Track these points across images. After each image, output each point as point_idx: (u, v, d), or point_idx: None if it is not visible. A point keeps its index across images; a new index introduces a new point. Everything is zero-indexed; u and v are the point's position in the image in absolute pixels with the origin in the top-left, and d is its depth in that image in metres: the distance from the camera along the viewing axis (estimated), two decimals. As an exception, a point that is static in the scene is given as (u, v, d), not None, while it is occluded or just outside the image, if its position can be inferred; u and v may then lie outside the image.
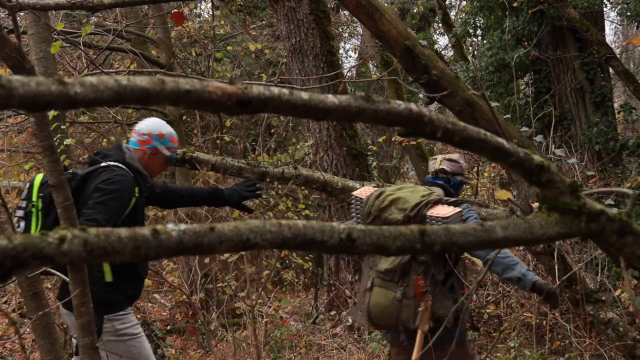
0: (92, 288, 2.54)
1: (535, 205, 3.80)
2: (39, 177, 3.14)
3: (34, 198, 3.10)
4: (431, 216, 3.09)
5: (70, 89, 0.81)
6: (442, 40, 15.87)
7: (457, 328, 2.97)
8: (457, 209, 3.13)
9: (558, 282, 4.29)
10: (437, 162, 3.61)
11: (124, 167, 3.14)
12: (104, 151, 3.29)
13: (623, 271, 1.28)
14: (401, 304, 3.18)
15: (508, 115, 7.34)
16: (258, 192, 3.67)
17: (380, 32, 5.09)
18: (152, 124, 3.33)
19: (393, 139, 11.90)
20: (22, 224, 3.11)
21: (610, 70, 9.33)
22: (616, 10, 10.30)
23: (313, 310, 7.51)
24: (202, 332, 6.47)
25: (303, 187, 6.99)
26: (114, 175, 3.07)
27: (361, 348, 5.96)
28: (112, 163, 3.13)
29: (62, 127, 6.10)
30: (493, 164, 7.99)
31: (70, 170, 3.18)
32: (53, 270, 3.08)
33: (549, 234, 1.14)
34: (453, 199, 3.33)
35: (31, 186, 3.14)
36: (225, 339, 6.46)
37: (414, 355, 3.12)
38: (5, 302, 7.27)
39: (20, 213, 3.14)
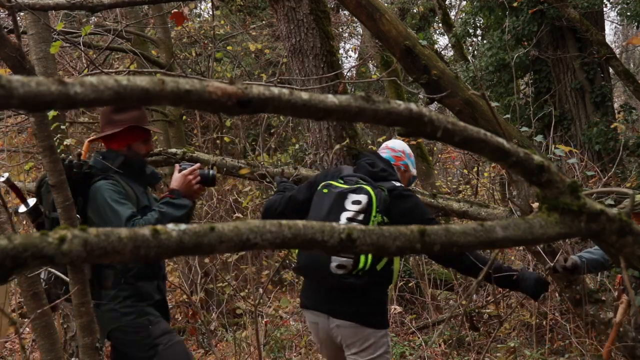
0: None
1: (535, 205, 3.81)
2: (372, 190, 3.11)
3: (373, 213, 3.08)
4: None
5: (70, 89, 0.81)
6: (442, 40, 15.88)
7: None
8: None
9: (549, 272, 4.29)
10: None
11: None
12: (381, 165, 3.28)
13: (623, 271, 1.28)
14: None
15: (508, 115, 7.34)
16: None
17: (380, 32, 5.09)
18: (403, 143, 3.50)
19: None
20: None
21: (610, 70, 9.33)
22: (616, 10, 10.30)
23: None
24: (202, 332, 6.47)
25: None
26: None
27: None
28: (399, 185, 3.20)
29: (62, 127, 6.10)
30: (493, 164, 7.99)
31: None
32: (53, 270, 3.08)
33: (549, 234, 1.14)
34: None
35: (370, 200, 3.15)
36: (225, 339, 6.46)
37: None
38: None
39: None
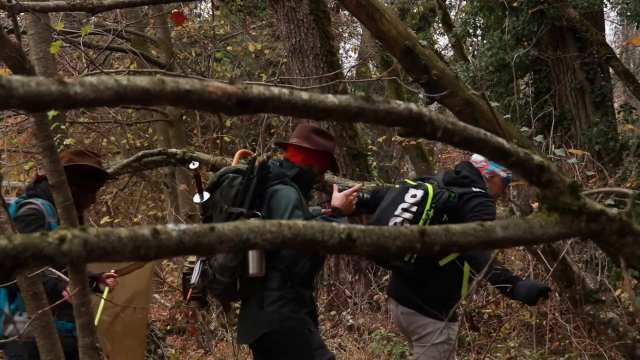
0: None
1: (535, 205, 3.82)
2: (431, 188, 3.40)
3: (427, 207, 3.37)
4: None
5: (70, 89, 0.81)
6: (442, 40, 15.87)
7: None
8: None
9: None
10: None
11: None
12: (465, 172, 3.53)
13: (623, 271, 1.28)
14: None
15: (508, 115, 7.34)
16: None
17: (380, 32, 5.09)
18: None
19: (393, 139, 11.90)
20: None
21: (610, 70, 9.32)
22: (616, 10, 10.30)
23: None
24: (202, 332, 6.47)
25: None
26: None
27: (361, 348, 5.96)
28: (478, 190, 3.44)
29: (62, 127, 6.11)
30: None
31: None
32: (54, 271, 3.08)
33: (549, 234, 1.14)
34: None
35: (426, 195, 3.42)
36: (225, 339, 6.46)
37: None
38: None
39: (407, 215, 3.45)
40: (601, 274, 5.37)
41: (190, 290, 3.18)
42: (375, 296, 6.79)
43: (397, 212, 3.37)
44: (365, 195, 3.56)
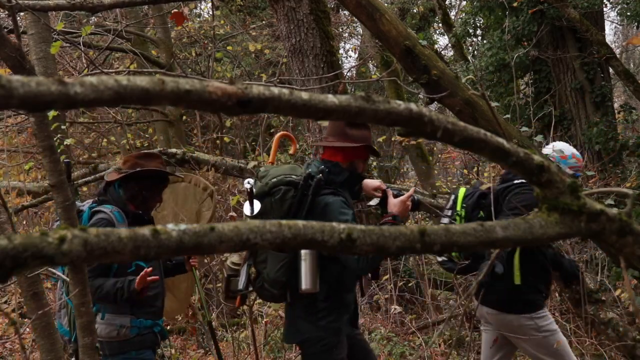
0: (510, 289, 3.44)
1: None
2: (462, 190, 3.81)
3: (458, 208, 3.73)
4: None
5: (70, 89, 0.81)
6: (442, 40, 15.88)
7: None
8: None
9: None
10: None
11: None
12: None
13: (623, 271, 1.28)
14: None
15: (508, 115, 7.34)
16: None
17: (380, 32, 5.09)
18: (557, 146, 3.82)
19: (393, 139, 11.89)
20: None
21: (610, 70, 9.33)
22: (616, 10, 10.30)
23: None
24: (202, 332, 6.47)
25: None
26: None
27: (361, 348, 5.95)
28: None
29: (62, 127, 6.10)
30: (493, 164, 7.98)
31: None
32: (54, 271, 3.09)
33: (549, 234, 1.14)
34: None
35: (456, 197, 3.77)
36: (225, 339, 6.46)
37: None
38: (5, 302, 7.27)
39: (445, 220, 3.77)
40: (601, 274, 5.37)
41: (239, 296, 3.28)
42: (375, 296, 6.79)
43: (444, 213, 3.84)
44: (417, 198, 3.59)
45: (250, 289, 3.27)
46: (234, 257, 3.36)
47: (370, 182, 3.38)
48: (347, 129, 3.23)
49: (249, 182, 3.15)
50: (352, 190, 3.34)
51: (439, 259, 3.79)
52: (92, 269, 3.07)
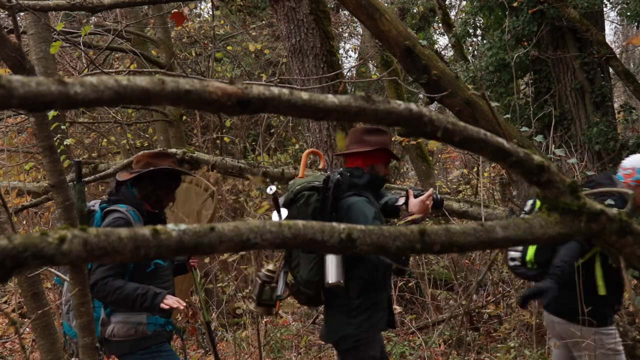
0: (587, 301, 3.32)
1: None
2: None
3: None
4: None
5: (70, 89, 0.81)
6: (442, 40, 15.87)
7: None
8: None
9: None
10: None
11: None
12: (597, 179, 3.66)
13: (623, 271, 1.28)
14: None
15: (508, 115, 7.34)
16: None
17: (380, 32, 5.09)
18: (636, 159, 3.64)
19: (393, 139, 11.88)
20: None
21: (610, 70, 9.32)
22: (616, 10, 10.29)
23: (313, 310, 7.51)
24: (202, 332, 6.47)
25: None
26: None
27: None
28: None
29: (62, 127, 6.10)
30: (493, 164, 7.99)
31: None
32: (53, 271, 3.09)
33: (549, 234, 1.14)
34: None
35: (534, 202, 3.61)
36: (225, 339, 6.46)
37: None
38: (5, 302, 7.27)
39: None
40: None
41: (278, 302, 3.36)
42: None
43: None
44: (438, 196, 3.61)
45: (287, 293, 3.36)
46: (270, 266, 3.44)
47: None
48: (364, 136, 3.38)
49: (271, 189, 3.23)
50: (376, 193, 3.45)
51: (511, 263, 3.61)
52: (111, 268, 3.07)
